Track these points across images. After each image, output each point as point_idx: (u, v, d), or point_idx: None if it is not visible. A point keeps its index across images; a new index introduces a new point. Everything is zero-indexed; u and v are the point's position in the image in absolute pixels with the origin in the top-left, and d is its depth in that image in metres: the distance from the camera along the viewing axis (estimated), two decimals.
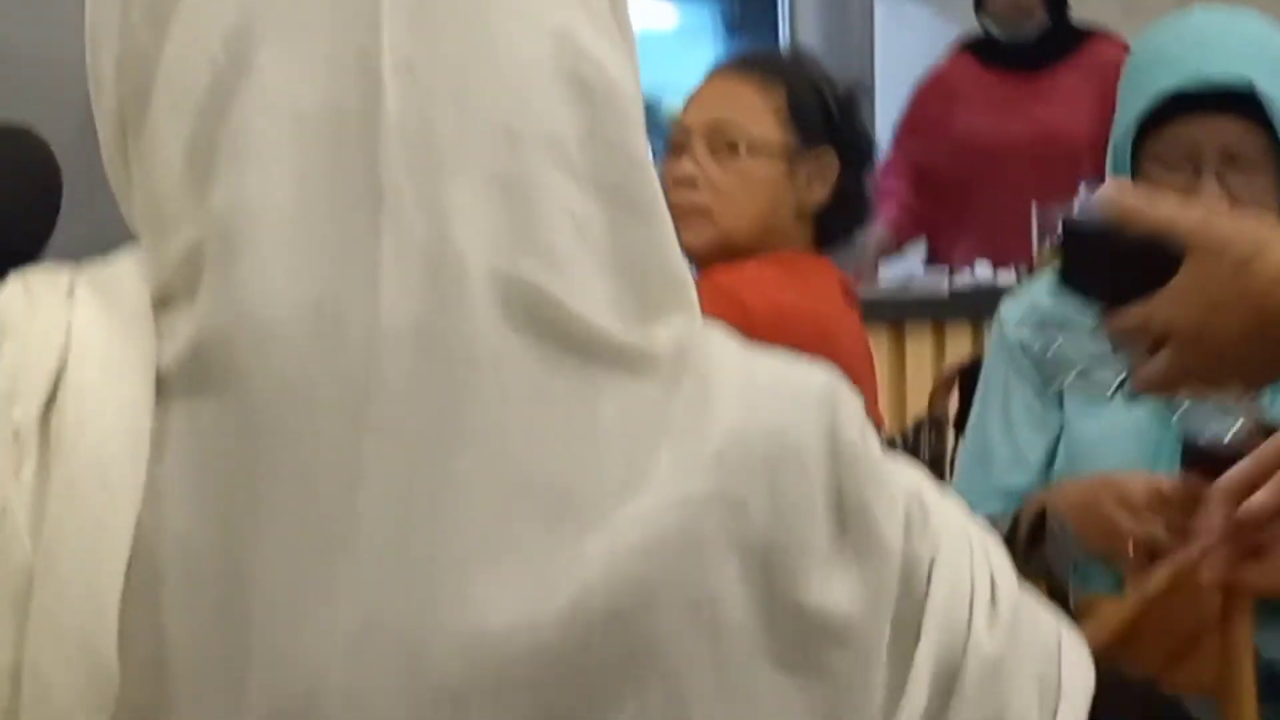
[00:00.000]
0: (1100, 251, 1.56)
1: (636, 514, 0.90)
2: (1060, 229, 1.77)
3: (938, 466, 3.07)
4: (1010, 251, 4.72)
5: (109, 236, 1.01)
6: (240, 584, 0.89)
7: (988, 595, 0.97)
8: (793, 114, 2.80)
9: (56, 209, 3.03)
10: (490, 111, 0.93)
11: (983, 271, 4.66)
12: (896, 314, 4.47)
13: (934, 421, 3.16)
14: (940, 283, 4.65)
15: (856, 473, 0.95)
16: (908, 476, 0.99)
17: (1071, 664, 0.99)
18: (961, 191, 5.11)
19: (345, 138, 0.92)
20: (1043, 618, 1.00)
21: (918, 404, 3.98)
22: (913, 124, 5.22)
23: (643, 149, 0.98)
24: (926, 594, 0.95)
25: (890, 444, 3.11)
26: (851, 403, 0.96)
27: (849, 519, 0.94)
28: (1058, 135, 4.93)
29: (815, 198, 2.77)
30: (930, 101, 5.19)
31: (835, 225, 2.83)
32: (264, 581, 0.89)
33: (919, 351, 4.50)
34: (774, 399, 0.94)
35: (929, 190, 5.16)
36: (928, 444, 3.14)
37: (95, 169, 1.02)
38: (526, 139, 0.93)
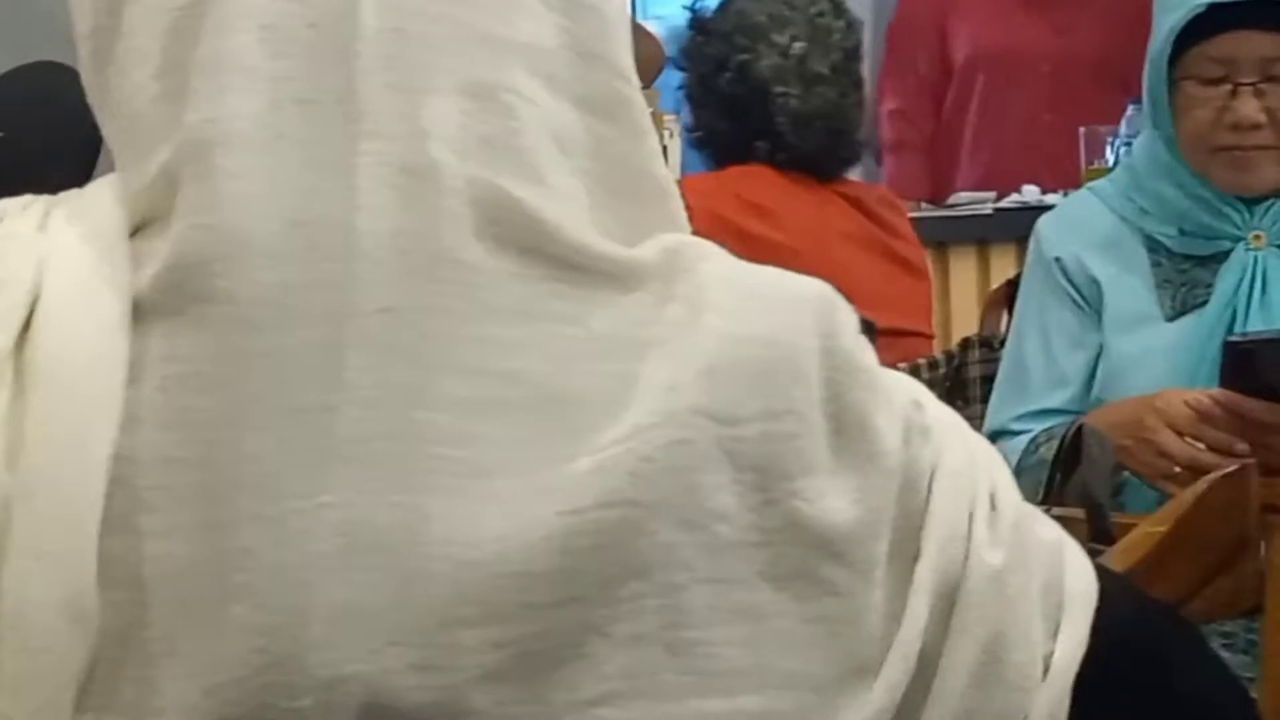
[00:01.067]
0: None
1: (626, 431, 0.89)
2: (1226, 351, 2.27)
3: (988, 385, 3.06)
4: (1011, 175, 4.64)
5: None
6: (222, 503, 0.88)
7: (988, 506, 0.95)
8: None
9: (97, 146, 3.03)
10: (467, 20, 0.92)
11: (1029, 191, 4.62)
12: (941, 234, 4.43)
13: (984, 340, 3.16)
14: (985, 203, 4.61)
15: (854, 382, 0.93)
16: (906, 386, 0.97)
17: (1075, 574, 0.97)
18: (953, 109, 4.98)
19: (319, 50, 0.91)
20: (1044, 528, 0.98)
21: (963, 325, 3.96)
22: (900, 32, 5.03)
23: (627, 62, 0.97)
24: (927, 505, 0.94)
25: (936, 363, 3.11)
26: (846, 312, 0.95)
27: (847, 428, 0.92)
28: (1065, 50, 4.82)
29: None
30: (919, 8, 5.03)
31: (718, 148, 3.36)
32: (247, 499, 0.88)
33: (963, 272, 4.47)
34: (766, 310, 0.93)
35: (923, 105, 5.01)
36: (977, 362, 3.14)
37: None
38: (504, 48, 0.92)
